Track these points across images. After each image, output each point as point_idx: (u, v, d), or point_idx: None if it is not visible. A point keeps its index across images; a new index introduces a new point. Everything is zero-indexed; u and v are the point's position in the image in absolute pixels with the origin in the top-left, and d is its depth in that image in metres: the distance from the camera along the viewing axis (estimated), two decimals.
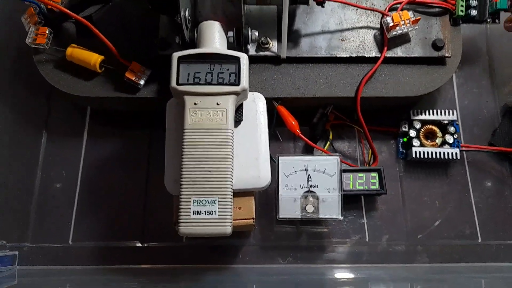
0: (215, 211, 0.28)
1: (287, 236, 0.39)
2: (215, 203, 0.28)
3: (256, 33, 0.35)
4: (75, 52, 0.36)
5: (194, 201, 0.28)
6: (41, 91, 0.42)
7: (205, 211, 0.28)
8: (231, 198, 0.29)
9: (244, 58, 0.31)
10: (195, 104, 0.30)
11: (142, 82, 0.36)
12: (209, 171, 0.29)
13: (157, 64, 0.37)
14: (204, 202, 0.28)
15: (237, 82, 0.31)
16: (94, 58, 0.36)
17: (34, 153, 0.41)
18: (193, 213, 0.28)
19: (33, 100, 0.42)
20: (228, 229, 0.28)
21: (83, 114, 0.42)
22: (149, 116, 0.41)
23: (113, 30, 0.38)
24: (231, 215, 0.29)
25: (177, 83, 0.30)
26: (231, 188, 0.29)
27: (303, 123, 0.39)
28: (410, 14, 0.36)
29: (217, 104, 0.30)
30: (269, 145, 0.36)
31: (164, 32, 0.37)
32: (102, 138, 0.41)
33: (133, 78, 0.36)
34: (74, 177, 0.40)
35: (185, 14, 0.33)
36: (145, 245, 0.38)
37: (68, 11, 0.35)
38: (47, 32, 0.36)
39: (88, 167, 0.40)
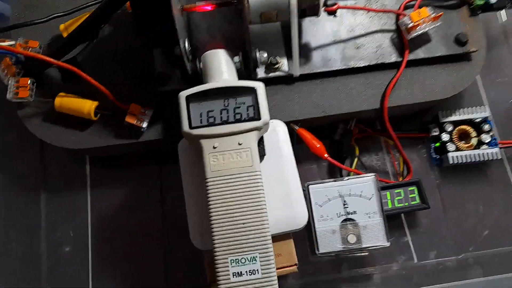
0: (257, 270, 0.24)
1: (327, 267, 0.35)
2: (256, 260, 0.24)
3: (265, 55, 0.32)
4: (65, 102, 0.32)
5: (232, 261, 0.24)
6: (31, 146, 0.37)
7: (246, 271, 0.24)
8: (272, 250, 0.25)
9: (260, 88, 0.27)
10: (214, 147, 0.26)
11: (144, 124, 0.32)
12: (243, 223, 0.25)
13: (158, 101, 0.33)
14: (243, 260, 0.24)
15: (257, 116, 0.27)
16: (87, 106, 0.32)
17: (34, 215, 0.36)
18: (233, 275, 0.24)
19: (24, 157, 0.38)
20: None
21: (82, 162, 0.38)
22: (155, 151, 0.37)
23: (103, 70, 0.34)
24: (275, 270, 0.25)
25: (190, 127, 0.26)
26: (270, 239, 0.25)
27: (322, 137, 0.35)
28: (428, 10, 0.33)
29: (239, 144, 0.26)
30: None
31: (160, 66, 0.33)
32: (108, 184, 0.37)
33: (135, 122, 0.32)
34: (83, 236, 0.36)
35: (184, 45, 0.29)
36: None
37: (48, 58, 0.31)
38: (29, 83, 0.32)
39: (97, 221, 0.36)
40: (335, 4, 0.31)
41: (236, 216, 0.25)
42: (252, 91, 0.27)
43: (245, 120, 0.27)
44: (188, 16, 0.34)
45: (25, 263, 0.35)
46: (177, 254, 0.35)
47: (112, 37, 0.34)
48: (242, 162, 0.26)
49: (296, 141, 0.34)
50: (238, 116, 0.27)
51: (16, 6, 0.35)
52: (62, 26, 0.33)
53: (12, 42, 0.32)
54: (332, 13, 0.32)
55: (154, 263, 0.35)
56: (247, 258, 0.24)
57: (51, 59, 0.30)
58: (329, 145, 0.37)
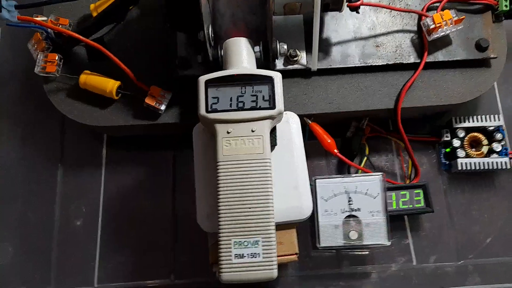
0: (259, 253, 0.25)
1: (327, 262, 0.36)
2: (258, 244, 0.25)
3: (285, 46, 0.33)
4: (89, 79, 0.33)
5: (235, 242, 0.25)
6: (53, 120, 0.39)
7: (248, 254, 0.25)
8: (275, 237, 0.26)
9: (277, 77, 0.28)
10: (227, 132, 0.27)
11: (163, 107, 0.33)
12: (249, 207, 0.26)
13: (178, 85, 0.34)
14: (246, 243, 0.25)
15: (272, 105, 0.28)
16: (110, 85, 0.33)
17: (51, 188, 0.38)
18: (235, 256, 0.25)
19: (45, 131, 0.39)
20: (274, 273, 0.26)
21: (99, 141, 0.39)
22: (171, 136, 0.38)
23: (127, 51, 0.35)
24: (276, 256, 0.26)
25: (207, 111, 0.27)
26: (274, 225, 0.26)
27: (333, 134, 0.36)
28: (451, 13, 0.33)
29: (252, 131, 0.27)
30: None
31: (183, 51, 0.34)
32: (122, 165, 0.39)
33: (154, 104, 0.33)
34: (94, 212, 0.37)
35: (209, 31, 0.30)
36: (177, 282, 0.35)
37: (78, 35, 0.32)
38: (56, 59, 0.33)
39: (109, 199, 0.38)
40: (358, 0, 0.31)
41: (243, 200, 0.26)
42: (269, 80, 0.28)
43: (260, 108, 0.27)
44: (213, 4, 0.35)
45: (38, 232, 0.37)
46: (184, 236, 0.37)
47: (138, 20, 0.36)
48: (253, 148, 0.27)
49: (308, 135, 0.35)
50: (253, 104, 0.28)
51: None
52: (92, 6, 0.34)
53: (44, 18, 0.33)
54: (354, 9, 0.32)
55: (161, 245, 0.36)
56: (250, 241, 0.25)
57: (80, 36, 0.31)
58: (341, 142, 0.38)
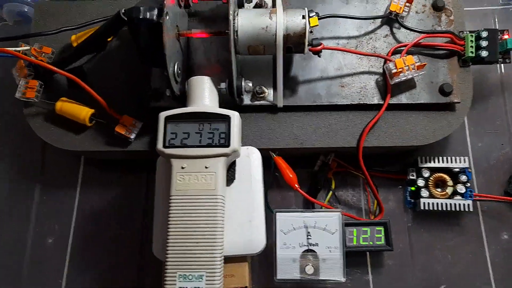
0: (202, 287, 0.26)
1: None
2: (202, 278, 0.26)
3: (250, 84, 0.34)
4: (65, 106, 0.35)
5: (180, 276, 0.26)
6: (34, 142, 0.41)
7: None
8: (220, 272, 0.27)
9: (235, 116, 0.29)
10: (182, 168, 0.29)
11: (133, 136, 0.35)
12: (196, 242, 0.27)
13: (150, 115, 0.36)
14: (190, 277, 0.26)
15: (227, 144, 0.29)
16: (83, 113, 0.35)
17: (27, 206, 0.40)
18: None
19: (26, 151, 0.41)
20: None
21: (77, 162, 0.41)
22: (146, 159, 0.40)
23: (105, 80, 0.37)
24: None
25: (164, 145, 0.29)
26: (220, 261, 0.27)
27: (303, 167, 0.37)
28: (415, 58, 0.34)
29: (206, 167, 0.28)
30: (269, 194, 0.35)
31: (156, 83, 0.36)
32: (97, 186, 0.40)
33: (123, 132, 0.35)
34: (66, 231, 0.39)
35: (174, 69, 0.32)
36: None
37: (52, 66, 0.34)
38: (37, 85, 0.35)
39: (81, 219, 0.39)
40: (320, 44, 0.33)
41: (191, 234, 0.27)
42: (226, 119, 0.29)
43: (215, 146, 0.29)
44: (187, 39, 0.36)
45: (12, 250, 0.38)
46: (152, 260, 0.37)
47: (117, 51, 0.38)
48: (205, 184, 0.28)
49: (274, 168, 0.36)
50: (210, 141, 0.29)
51: (38, 11, 0.39)
52: (73, 37, 0.37)
53: (27, 48, 0.36)
54: (316, 53, 0.33)
55: (128, 268, 0.37)
56: (194, 275, 0.26)
57: (54, 68, 0.33)
58: (309, 175, 0.39)
